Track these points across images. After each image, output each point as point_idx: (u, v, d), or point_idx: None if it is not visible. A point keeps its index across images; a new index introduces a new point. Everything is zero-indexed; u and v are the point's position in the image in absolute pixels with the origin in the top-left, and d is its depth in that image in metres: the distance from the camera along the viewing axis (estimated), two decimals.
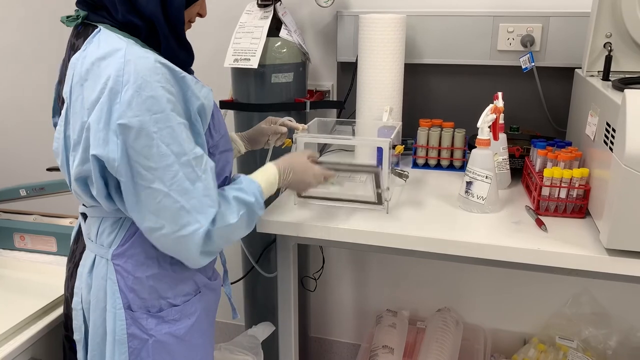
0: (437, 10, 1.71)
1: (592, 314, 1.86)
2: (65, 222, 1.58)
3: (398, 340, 1.85)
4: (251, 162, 1.74)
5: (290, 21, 1.71)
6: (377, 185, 1.26)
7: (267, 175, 1.12)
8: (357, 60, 1.63)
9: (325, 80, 1.91)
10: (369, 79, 1.58)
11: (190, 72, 1.04)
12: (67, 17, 1.00)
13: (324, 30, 1.86)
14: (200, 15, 1.08)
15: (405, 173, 1.35)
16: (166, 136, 0.90)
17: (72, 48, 1.00)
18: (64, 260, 1.22)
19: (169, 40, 0.97)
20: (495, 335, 1.98)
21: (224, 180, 1.09)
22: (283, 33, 1.66)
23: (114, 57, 0.90)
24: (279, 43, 1.65)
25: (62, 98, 0.99)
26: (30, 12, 2.16)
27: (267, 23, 1.63)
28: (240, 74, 1.68)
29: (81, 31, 0.99)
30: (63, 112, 0.98)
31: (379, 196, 1.29)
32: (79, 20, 0.98)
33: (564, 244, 1.15)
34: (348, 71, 1.79)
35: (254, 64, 1.59)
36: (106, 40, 0.93)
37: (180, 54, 0.99)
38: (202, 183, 0.95)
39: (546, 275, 1.19)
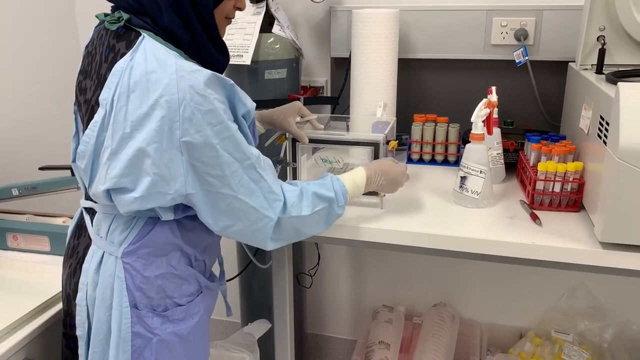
0: (430, 5, 1.71)
1: (587, 307, 1.87)
2: (58, 221, 1.57)
3: (394, 335, 1.85)
4: None
5: (283, 17, 1.70)
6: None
7: (354, 176, 1.17)
8: (350, 55, 1.63)
9: (319, 76, 1.91)
10: (363, 74, 1.58)
11: (222, 71, 1.06)
12: (105, 15, 0.99)
13: (317, 26, 1.86)
14: (239, 9, 1.07)
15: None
16: (229, 145, 0.95)
17: (112, 50, 0.98)
18: (57, 259, 1.22)
19: (207, 45, 0.99)
20: (491, 329, 1.99)
21: None
22: (276, 29, 1.65)
23: (165, 72, 0.90)
24: (271, 39, 1.64)
25: (93, 99, 0.98)
26: (24, 11, 2.15)
27: (259, 19, 1.62)
28: (233, 70, 1.68)
29: (122, 34, 0.98)
30: (98, 117, 0.97)
31: None
32: (121, 24, 0.97)
33: (559, 238, 1.15)
34: (342, 67, 1.78)
35: (246, 60, 1.58)
36: (153, 52, 0.93)
37: (218, 57, 1.01)
38: (265, 181, 1.01)
39: (542, 269, 1.19)
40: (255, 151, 1.00)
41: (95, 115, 0.97)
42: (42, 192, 1.57)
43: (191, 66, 0.92)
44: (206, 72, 0.92)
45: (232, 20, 1.63)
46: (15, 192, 1.56)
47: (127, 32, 0.97)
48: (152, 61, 0.91)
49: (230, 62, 1.55)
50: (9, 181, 1.60)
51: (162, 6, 0.95)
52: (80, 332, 1.09)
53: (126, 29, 0.98)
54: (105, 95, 0.95)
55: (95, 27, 1.08)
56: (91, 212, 1.09)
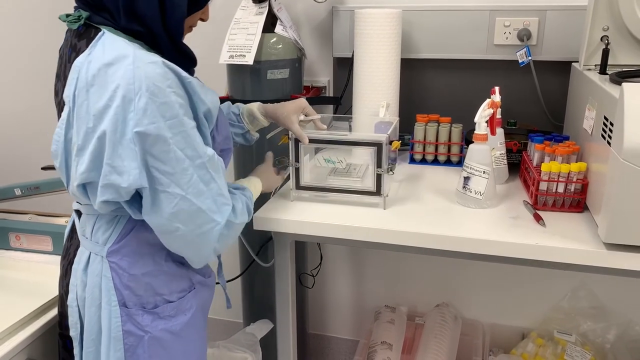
0: (433, 5, 1.70)
1: (590, 308, 1.86)
2: (61, 221, 1.57)
3: (396, 336, 1.85)
4: (247, 161, 1.76)
5: (286, 17, 1.69)
6: (379, 163, 1.26)
7: (254, 185, 1.22)
8: (353, 55, 1.62)
9: (322, 76, 1.91)
10: (366, 74, 1.57)
11: (193, 73, 1.06)
12: (67, 15, 0.99)
13: (319, 26, 1.85)
14: (203, 20, 1.08)
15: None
16: (181, 141, 0.92)
17: (74, 49, 0.98)
18: (60, 259, 1.21)
19: (169, 50, 0.98)
20: (493, 330, 1.98)
21: None
22: (278, 29, 1.64)
23: (122, 64, 0.89)
24: (274, 39, 1.64)
25: (62, 99, 0.99)
26: (26, 11, 2.15)
27: (262, 19, 1.62)
28: (235, 71, 1.67)
29: (83, 32, 0.98)
30: (64, 114, 0.97)
31: (379, 179, 1.28)
32: (81, 22, 0.97)
33: (562, 239, 1.15)
34: (344, 67, 1.77)
35: (249, 60, 1.58)
36: (112, 45, 0.92)
37: (180, 62, 0.98)
38: (216, 183, 0.98)
39: (544, 269, 1.19)
40: (209, 151, 0.97)
41: (62, 114, 0.98)
42: (44, 192, 1.57)
43: (150, 57, 0.91)
44: (163, 63, 0.91)
45: (236, 20, 1.65)
46: (17, 191, 1.56)
47: (88, 30, 0.97)
48: (109, 53, 0.91)
49: (232, 62, 1.61)
50: (12, 181, 1.60)
51: (122, 9, 0.93)
52: (74, 332, 1.10)
53: (87, 27, 0.97)
54: (67, 92, 0.95)
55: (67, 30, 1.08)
56: (78, 213, 1.10)
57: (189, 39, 1.05)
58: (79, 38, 0.98)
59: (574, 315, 1.87)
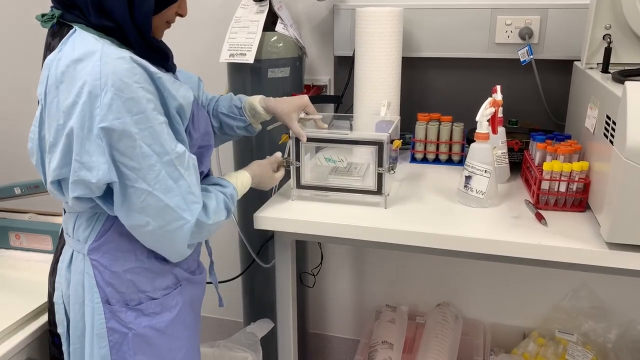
0: (435, 3, 1.70)
1: (591, 307, 1.86)
2: (61, 220, 1.56)
3: (397, 335, 1.85)
4: (247, 153, 1.75)
5: (287, 15, 1.69)
6: (380, 162, 1.25)
7: (241, 180, 1.19)
8: (354, 54, 1.61)
9: (322, 74, 1.90)
10: (367, 73, 1.56)
11: (171, 68, 1.06)
12: (42, 15, 0.99)
13: (320, 24, 1.85)
14: (180, 15, 1.07)
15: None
16: (147, 137, 0.92)
17: (48, 48, 0.99)
18: None
19: (140, 45, 0.97)
20: (494, 329, 1.98)
21: (200, 177, 1.09)
22: (279, 27, 1.64)
23: (89, 60, 0.90)
24: (275, 37, 1.63)
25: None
26: (24, 8, 2.14)
27: (262, 17, 1.61)
28: (236, 69, 1.67)
29: (57, 31, 0.98)
30: (37, 112, 0.98)
31: (380, 178, 1.27)
32: (54, 20, 0.97)
33: (565, 238, 1.14)
34: (345, 65, 1.77)
35: (250, 58, 1.57)
36: (81, 42, 0.92)
37: (153, 57, 0.98)
38: (185, 181, 0.97)
39: (545, 269, 1.18)
40: (179, 148, 0.96)
41: (36, 111, 0.99)
42: (44, 191, 1.55)
43: (118, 52, 0.91)
44: (131, 58, 0.91)
45: (237, 19, 1.64)
46: (17, 190, 1.56)
47: (61, 29, 0.97)
48: (78, 50, 0.91)
49: (233, 61, 1.60)
50: (12, 180, 1.59)
51: (90, 6, 0.94)
52: (61, 329, 1.11)
53: (61, 25, 0.98)
54: (40, 90, 0.96)
55: None
56: (64, 211, 1.11)
57: (188, 37, 1.04)
58: (53, 37, 0.98)
59: (575, 315, 1.86)
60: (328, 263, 2.09)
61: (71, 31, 0.95)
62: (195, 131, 1.04)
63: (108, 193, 0.97)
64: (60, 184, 0.98)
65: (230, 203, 1.10)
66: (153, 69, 0.94)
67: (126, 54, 0.91)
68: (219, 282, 1.36)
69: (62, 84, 0.91)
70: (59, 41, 0.96)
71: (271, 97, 1.31)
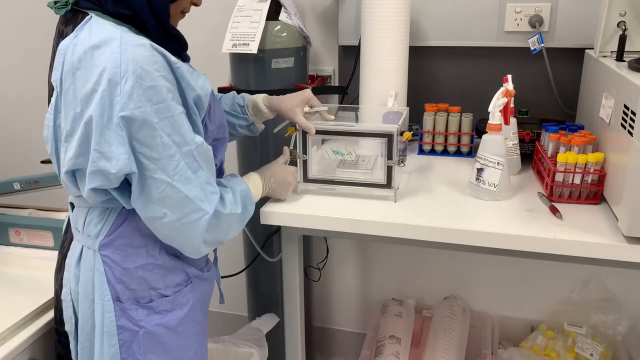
0: None
1: (601, 299, 1.83)
2: (62, 215, 1.54)
3: (405, 329, 1.82)
4: (252, 153, 1.72)
5: (290, 4, 1.65)
6: (390, 154, 1.22)
7: (252, 178, 1.17)
8: (359, 43, 1.58)
9: (327, 65, 1.87)
10: (373, 62, 1.53)
11: (186, 58, 1.04)
12: (55, 2, 0.97)
13: (324, 13, 1.81)
14: (195, 4, 1.05)
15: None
16: (168, 126, 0.91)
17: (61, 35, 0.96)
18: None
19: (158, 34, 0.96)
20: (502, 322, 1.95)
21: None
22: (283, 16, 1.60)
23: (108, 46, 0.88)
24: (278, 27, 1.60)
25: (51, 84, 0.97)
26: (24, 2, 2.10)
27: (266, 6, 1.57)
28: (238, 60, 1.63)
29: (70, 18, 0.96)
30: (53, 99, 0.97)
31: (389, 171, 1.24)
32: (68, 7, 0.95)
33: (581, 232, 1.11)
34: (350, 55, 1.74)
35: (253, 49, 1.54)
36: (99, 28, 0.90)
37: (170, 46, 0.96)
38: (204, 171, 0.96)
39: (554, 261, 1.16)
40: (198, 139, 0.95)
41: (51, 99, 0.97)
42: (44, 186, 1.54)
43: (137, 40, 0.89)
44: (151, 46, 0.90)
45: (239, 8, 1.60)
46: (17, 186, 1.53)
47: (75, 16, 0.96)
48: (96, 36, 0.89)
49: (235, 51, 1.57)
50: (11, 175, 1.57)
51: None
52: (69, 327, 1.09)
53: (74, 13, 0.96)
54: (54, 77, 0.94)
55: None
56: (72, 206, 1.08)
57: (190, 27, 1.02)
58: (65, 24, 0.97)
59: (584, 307, 1.84)
60: (333, 256, 2.07)
61: (87, 18, 0.93)
62: (211, 123, 1.03)
63: (124, 184, 0.95)
64: (74, 174, 0.96)
65: (246, 198, 1.08)
66: (172, 57, 0.93)
67: (146, 41, 0.90)
68: (223, 277, 1.33)
69: (78, 70, 0.89)
70: (73, 28, 0.93)
71: (274, 96, 1.30)
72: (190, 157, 0.94)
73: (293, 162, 1.31)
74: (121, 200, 0.97)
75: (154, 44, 0.91)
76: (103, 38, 0.88)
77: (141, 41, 0.89)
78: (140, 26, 0.94)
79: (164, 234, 0.98)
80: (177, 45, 0.99)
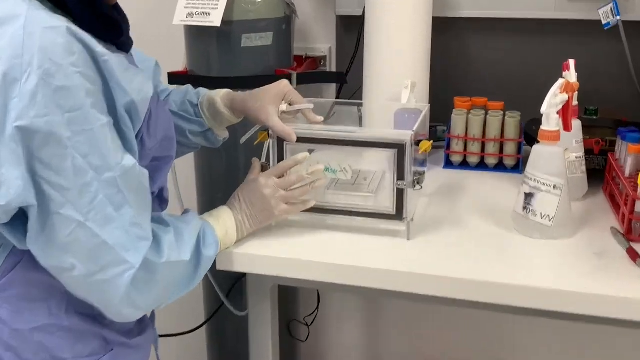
0: None
1: None
2: None
3: None
4: (214, 172, 1.72)
5: None
6: (400, 174, 1.20)
7: (217, 216, 1.18)
8: (364, 13, 1.60)
9: (320, 42, 1.90)
10: (382, 40, 1.55)
11: (126, 46, 1.05)
12: None
13: None
14: None
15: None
16: (84, 144, 0.90)
17: None
18: None
19: (83, 11, 0.94)
20: None
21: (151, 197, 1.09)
22: None
23: (9, 27, 0.87)
24: None
25: None
26: None
27: None
28: (196, 35, 1.65)
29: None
30: None
31: (400, 196, 1.21)
32: None
33: None
34: (352, 30, 1.77)
35: (215, 20, 1.54)
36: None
37: (100, 29, 0.96)
38: (131, 208, 0.96)
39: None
40: (127, 161, 0.95)
41: None
42: None
43: (50, 20, 0.89)
44: (67, 29, 0.89)
45: None
46: None
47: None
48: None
49: (192, 23, 1.58)
50: None
51: None
52: None
53: None
54: None
55: None
56: None
57: None
58: None
59: None
60: (326, 309, 2.09)
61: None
62: (150, 138, 1.04)
63: (18, 218, 0.94)
64: None
65: (201, 240, 1.09)
66: (99, 47, 0.92)
67: (61, 22, 0.89)
68: (176, 335, 1.31)
69: None
70: None
71: (240, 92, 1.30)
72: (112, 188, 0.93)
73: None
74: (11, 238, 0.96)
75: (72, 26, 0.90)
76: (2, 15, 0.88)
77: (55, 22, 0.88)
78: (57, 0, 0.93)
79: (74, 288, 0.98)
80: (109, 29, 0.99)
